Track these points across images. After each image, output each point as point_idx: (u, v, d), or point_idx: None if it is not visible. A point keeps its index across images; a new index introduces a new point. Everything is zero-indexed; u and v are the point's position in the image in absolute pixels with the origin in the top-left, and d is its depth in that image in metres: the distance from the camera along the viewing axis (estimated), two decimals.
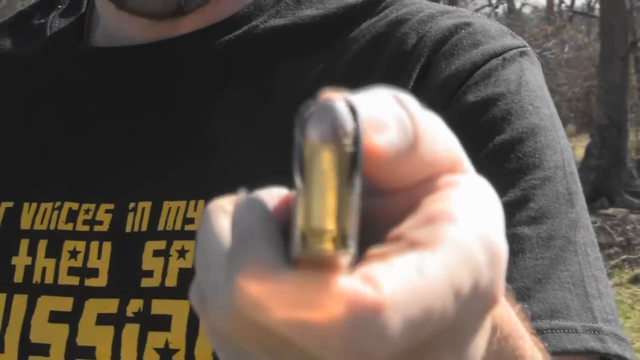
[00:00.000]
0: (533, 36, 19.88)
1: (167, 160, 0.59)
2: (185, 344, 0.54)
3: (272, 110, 0.58)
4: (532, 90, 0.59)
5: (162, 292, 0.55)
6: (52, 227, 0.59)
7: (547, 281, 0.54)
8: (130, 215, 0.58)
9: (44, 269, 0.59)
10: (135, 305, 0.56)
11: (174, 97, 0.60)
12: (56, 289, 0.58)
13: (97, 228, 0.58)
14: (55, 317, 0.57)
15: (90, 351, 0.55)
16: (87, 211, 0.59)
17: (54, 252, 0.59)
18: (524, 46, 0.63)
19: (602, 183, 10.08)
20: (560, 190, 0.58)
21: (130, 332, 0.55)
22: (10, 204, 0.60)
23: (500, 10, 32.91)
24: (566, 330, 0.53)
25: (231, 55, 0.61)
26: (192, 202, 0.57)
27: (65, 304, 0.57)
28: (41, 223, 0.59)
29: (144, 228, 0.58)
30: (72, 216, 0.59)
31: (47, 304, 0.57)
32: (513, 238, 0.54)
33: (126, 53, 0.61)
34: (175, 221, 0.57)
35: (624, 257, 8.51)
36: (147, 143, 0.60)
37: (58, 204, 0.59)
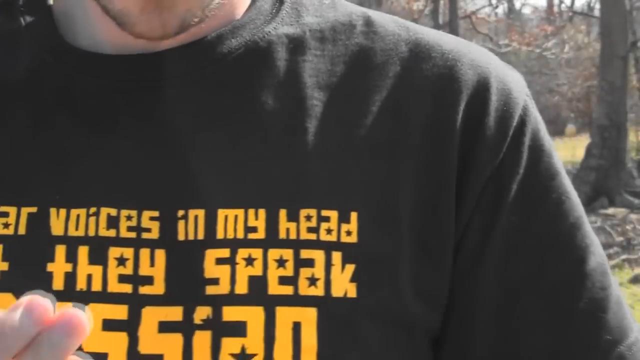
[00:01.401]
0: (533, 36, 19.93)
1: (208, 165, 0.58)
2: (264, 348, 0.54)
3: (309, 118, 0.59)
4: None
5: (233, 299, 0.55)
6: (90, 233, 0.57)
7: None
8: (182, 223, 0.57)
9: (89, 275, 0.57)
10: (203, 313, 0.55)
11: (208, 102, 0.60)
12: (107, 297, 0.56)
13: (145, 235, 0.57)
14: (110, 325, 0.56)
15: (156, 359, 0.55)
16: (128, 217, 0.57)
17: (98, 258, 0.57)
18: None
19: (602, 183, 10.08)
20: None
21: (202, 338, 0.55)
22: (33, 209, 0.58)
23: (500, 10, 32.96)
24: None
25: (251, 61, 0.60)
26: (251, 210, 0.57)
27: (119, 311, 0.56)
28: (76, 229, 0.57)
29: (200, 236, 0.57)
30: (112, 222, 0.57)
31: (98, 311, 0.55)
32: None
33: (140, 60, 0.60)
34: (235, 230, 0.57)
35: (624, 257, 8.52)
36: (183, 147, 0.59)
37: (93, 209, 0.57)
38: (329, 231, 0.55)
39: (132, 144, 0.59)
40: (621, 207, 9.90)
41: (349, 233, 0.57)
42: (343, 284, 0.55)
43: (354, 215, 0.57)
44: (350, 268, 0.55)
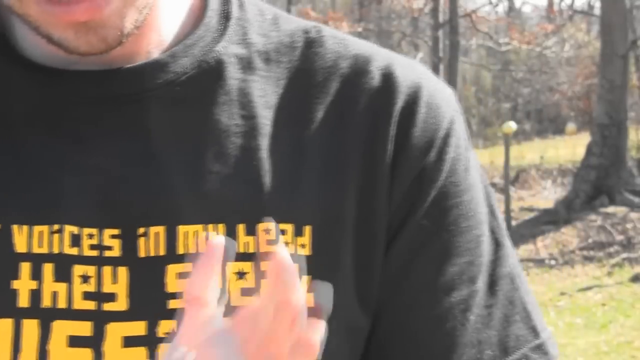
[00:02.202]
0: (533, 35, 19.91)
1: (166, 182, 0.60)
2: None
3: (260, 136, 0.62)
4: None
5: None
6: (55, 250, 0.58)
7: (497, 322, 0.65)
8: (142, 240, 0.59)
9: (55, 293, 0.58)
10: (166, 326, 0.57)
11: (165, 121, 0.62)
12: (72, 314, 0.58)
13: (107, 253, 0.59)
14: (76, 341, 0.57)
15: None
16: (90, 236, 0.59)
17: (63, 276, 0.58)
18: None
19: (603, 181, 10.08)
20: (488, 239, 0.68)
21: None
22: None
23: (500, 8, 32.95)
24: None
25: (203, 80, 0.63)
26: (211, 226, 0.59)
27: (84, 328, 0.57)
28: (40, 246, 0.58)
29: (162, 252, 0.59)
30: (75, 240, 0.59)
31: (63, 328, 0.57)
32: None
33: (99, 77, 0.61)
34: (196, 245, 0.59)
35: (624, 255, 8.52)
36: (142, 165, 0.61)
37: (57, 227, 0.58)
38: (285, 244, 0.55)
39: (95, 161, 0.60)
40: (621, 205, 9.90)
41: (303, 246, 0.60)
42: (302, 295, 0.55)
43: (307, 229, 0.61)
44: (306, 280, 0.56)
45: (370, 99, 0.65)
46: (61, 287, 0.58)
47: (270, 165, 0.61)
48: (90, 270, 0.58)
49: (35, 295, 0.57)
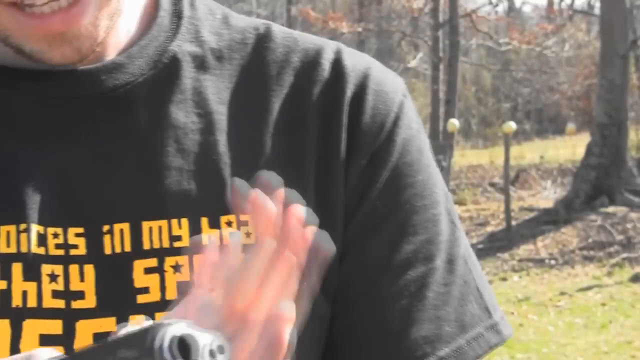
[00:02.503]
0: (533, 34, 19.90)
1: (128, 180, 0.62)
2: None
3: (217, 132, 0.64)
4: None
5: (164, 305, 0.57)
6: (23, 250, 0.58)
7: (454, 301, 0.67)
8: (107, 238, 0.60)
9: (25, 292, 0.58)
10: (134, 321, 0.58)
11: (125, 121, 0.63)
12: (42, 312, 0.58)
13: (73, 252, 0.59)
14: (47, 340, 0.57)
15: None
16: (55, 235, 0.59)
17: (32, 275, 0.58)
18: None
19: (603, 181, 10.08)
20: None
21: None
22: None
23: (500, 8, 32.96)
24: (476, 339, 0.66)
25: (160, 79, 0.64)
26: (174, 221, 0.61)
27: (54, 326, 0.58)
28: (8, 246, 0.58)
29: (127, 249, 0.60)
30: (41, 240, 0.59)
31: (34, 328, 0.57)
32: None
33: (61, 77, 0.62)
34: (161, 240, 0.60)
35: (624, 255, 8.52)
36: (104, 165, 0.62)
37: (24, 226, 0.59)
38: (248, 235, 0.56)
39: (56, 161, 0.61)
40: (621, 205, 9.90)
41: None
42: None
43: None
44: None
45: (322, 91, 0.67)
46: (31, 286, 0.58)
47: (229, 159, 0.63)
48: (58, 269, 0.59)
49: (5, 294, 0.57)
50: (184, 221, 0.61)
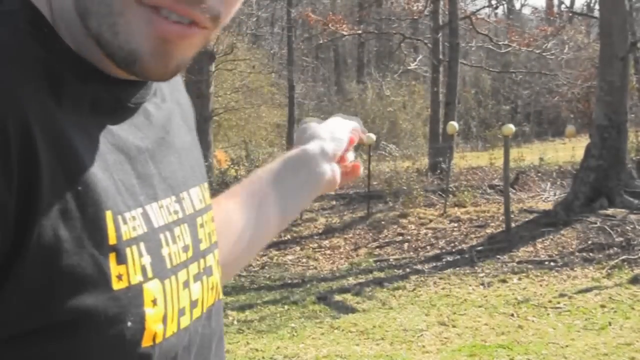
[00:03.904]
0: (533, 37, 19.90)
1: (174, 159, 0.83)
2: (219, 282, 0.89)
3: (189, 130, 0.93)
4: None
5: (209, 249, 0.86)
6: (166, 221, 0.78)
7: None
8: (185, 202, 0.82)
9: (175, 253, 0.78)
10: (202, 264, 0.84)
11: (157, 117, 0.83)
12: (181, 265, 0.79)
13: (176, 216, 0.80)
14: (184, 285, 0.79)
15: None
16: (168, 205, 0.79)
17: (173, 239, 0.78)
18: None
19: (602, 183, 10.09)
20: None
21: (205, 281, 0.84)
22: (141, 210, 0.74)
23: (499, 10, 32.94)
24: None
25: (160, 86, 0.85)
26: (201, 186, 0.88)
27: (184, 275, 0.79)
28: (162, 219, 0.77)
29: (191, 210, 0.83)
30: (165, 211, 0.78)
31: (181, 277, 0.78)
32: None
33: (133, 85, 0.78)
34: (201, 200, 0.87)
35: (623, 257, 8.53)
36: (161, 149, 0.81)
37: (160, 203, 0.77)
38: (201, 200, 0.87)
39: (149, 147, 0.79)
40: (621, 207, 9.90)
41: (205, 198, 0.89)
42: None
43: (206, 185, 0.90)
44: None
45: (184, 91, 0.96)
46: (175, 248, 0.78)
47: (195, 149, 0.91)
48: (177, 230, 0.79)
49: (172, 256, 0.77)
50: (202, 186, 0.88)
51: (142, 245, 0.72)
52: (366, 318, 7.12)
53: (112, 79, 0.74)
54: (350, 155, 1.21)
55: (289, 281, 8.96)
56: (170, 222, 0.78)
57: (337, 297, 8.02)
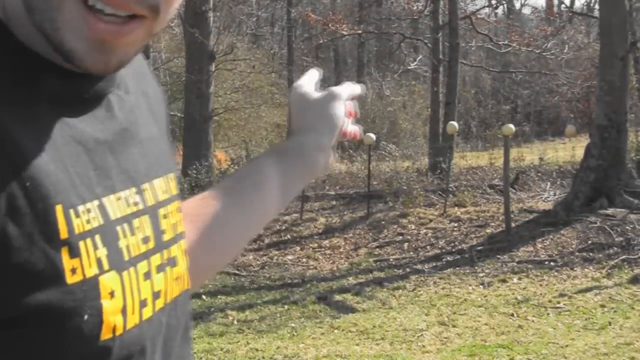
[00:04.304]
0: (533, 37, 19.90)
1: (136, 150, 0.82)
2: (186, 273, 0.88)
3: (157, 123, 0.92)
4: None
5: (174, 240, 0.85)
6: (124, 213, 0.77)
7: None
8: (146, 194, 0.82)
9: (133, 245, 0.77)
10: (165, 255, 0.83)
11: (114, 109, 0.81)
12: (142, 257, 0.78)
13: (136, 208, 0.79)
14: (146, 277, 0.79)
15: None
16: (127, 197, 0.78)
17: (132, 230, 0.78)
18: None
19: (602, 183, 10.09)
20: None
21: (169, 272, 0.83)
22: (97, 202, 0.73)
23: (499, 10, 32.93)
24: None
25: (116, 80, 0.83)
26: (166, 177, 0.87)
27: (144, 266, 0.78)
28: (119, 211, 0.76)
29: (153, 202, 0.83)
30: (123, 203, 0.77)
31: (140, 269, 0.78)
32: None
33: (92, 77, 0.77)
34: (164, 191, 0.86)
35: (623, 257, 8.52)
36: (122, 140, 0.80)
37: (118, 195, 0.76)
38: (165, 191, 0.87)
39: (107, 138, 0.78)
40: (621, 207, 9.90)
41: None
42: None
43: (173, 176, 0.90)
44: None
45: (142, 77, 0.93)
46: (133, 240, 0.77)
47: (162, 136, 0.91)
48: (135, 222, 0.79)
49: (129, 248, 0.76)
50: (171, 176, 0.88)
51: (97, 237, 0.72)
52: (366, 318, 7.12)
53: (70, 72, 0.74)
54: (350, 127, 1.22)
55: (289, 281, 8.95)
56: (128, 214, 0.77)
57: (337, 297, 8.02)
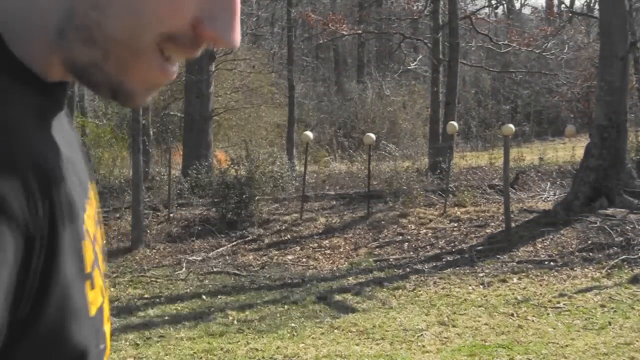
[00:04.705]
0: (533, 37, 19.90)
1: (79, 157, 0.81)
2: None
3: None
4: None
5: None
6: (93, 230, 0.74)
7: None
8: (91, 201, 0.79)
9: (100, 261, 0.75)
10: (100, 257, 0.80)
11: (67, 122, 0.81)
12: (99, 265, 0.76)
13: (95, 221, 0.77)
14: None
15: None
16: (91, 214, 0.75)
17: (94, 243, 0.75)
18: None
19: (602, 183, 10.10)
20: None
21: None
22: (85, 226, 0.72)
23: (499, 10, 32.96)
24: None
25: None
26: (93, 182, 0.84)
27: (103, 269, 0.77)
28: (90, 229, 0.74)
29: (97, 208, 0.81)
30: (91, 219, 0.75)
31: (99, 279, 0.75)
32: None
33: (64, 88, 0.76)
34: (96, 198, 0.84)
35: (623, 257, 8.53)
36: (72, 149, 0.78)
37: (87, 212, 0.73)
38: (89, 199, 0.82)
39: (63, 148, 0.75)
40: (621, 207, 9.91)
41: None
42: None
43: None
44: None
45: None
46: (100, 255, 0.76)
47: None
48: (98, 236, 0.77)
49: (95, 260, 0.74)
50: (93, 184, 0.85)
51: (96, 267, 0.72)
52: (366, 318, 7.12)
53: (49, 84, 0.72)
54: None
55: (289, 281, 8.95)
56: (95, 230, 0.76)
57: (337, 297, 8.03)
